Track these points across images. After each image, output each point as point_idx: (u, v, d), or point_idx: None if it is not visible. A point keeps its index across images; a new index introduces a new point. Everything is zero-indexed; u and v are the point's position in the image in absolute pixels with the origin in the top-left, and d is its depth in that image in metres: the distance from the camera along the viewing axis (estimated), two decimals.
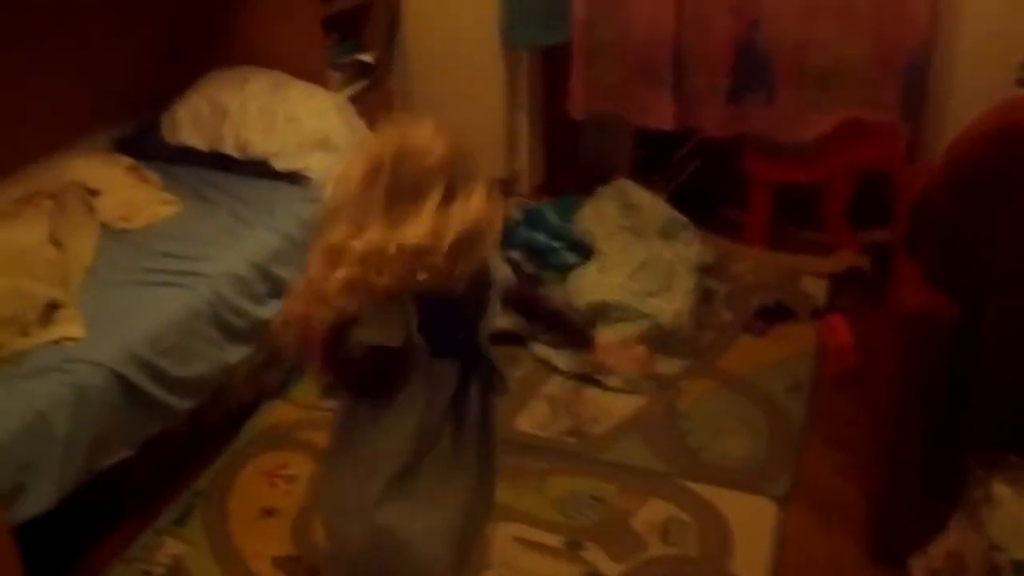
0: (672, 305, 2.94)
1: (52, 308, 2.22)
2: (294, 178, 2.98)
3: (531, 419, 2.70)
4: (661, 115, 3.43)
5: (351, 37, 3.57)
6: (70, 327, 2.18)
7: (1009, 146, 1.86)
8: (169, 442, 2.44)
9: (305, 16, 3.25)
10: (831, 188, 3.43)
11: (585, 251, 3.24)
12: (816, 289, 3.31)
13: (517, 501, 2.39)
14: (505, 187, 3.82)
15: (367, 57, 3.54)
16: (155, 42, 3.27)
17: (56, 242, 2.52)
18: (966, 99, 3.05)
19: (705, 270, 3.31)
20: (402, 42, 3.74)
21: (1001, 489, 1.91)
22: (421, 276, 1.44)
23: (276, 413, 2.74)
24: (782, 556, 2.23)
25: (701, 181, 3.77)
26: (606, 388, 2.80)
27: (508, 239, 3.37)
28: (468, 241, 1.46)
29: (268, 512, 2.38)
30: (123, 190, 2.81)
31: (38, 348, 2.12)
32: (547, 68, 3.75)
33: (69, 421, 2.01)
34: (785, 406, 2.73)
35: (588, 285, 2.99)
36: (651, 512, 2.36)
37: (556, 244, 3.31)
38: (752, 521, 2.33)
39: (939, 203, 1.99)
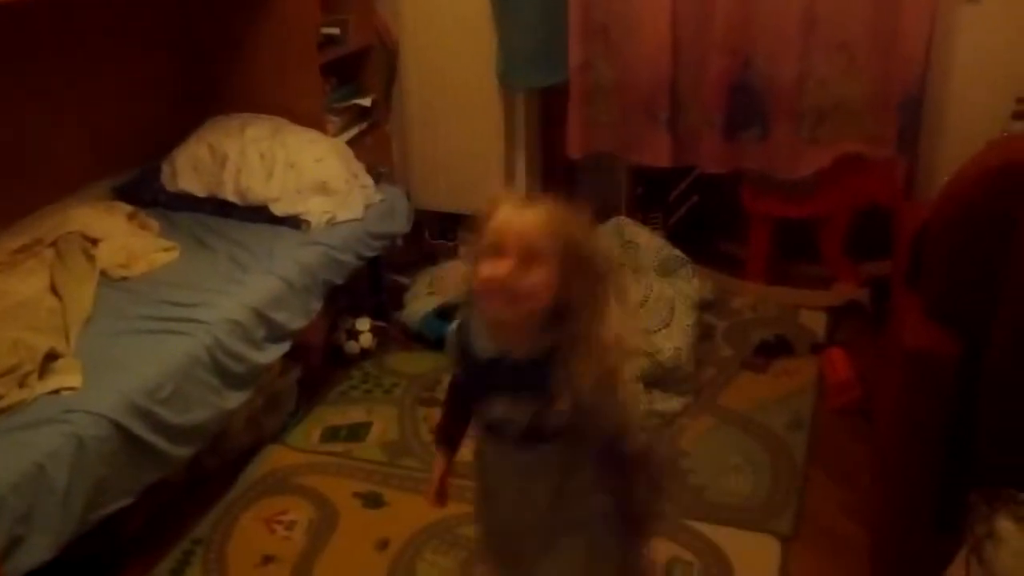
0: (671, 342, 2.94)
1: (51, 358, 2.22)
2: (293, 223, 3.00)
3: None
4: (658, 153, 3.46)
5: (350, 81, 3.60)
6: (68, 377, 2.18)
7: (1009, 183, 1.86)
8: (167, 489, 2.43)
9: (303, 63, 3.28)
10: (829, 222, 3.44)
11: None
12: (815, 323, 3.31)
13: None
14: None
15: (365, 101, 3.58)
16: (155, 90, 3.31)
17: (56, 291, 2.54)
18: (962, 133, 3.08)
19: (704, 306, 3.32)
20: (400, 85, 3.77)
21: (1006, 525, 1.88)
22: None
23: (275, 458, 2.74)
24: None
25: (699, 217, 3.78)
26: None
27: None
28: None
29: (268, 559, 2.37)
30: (122, 237, 2.83)
31: (36, 399, 2.12)
32: (544, 108, 3.78)
33: (68, 471, 2.00)
34: (787, 442, 2.72)
35: None
36: (654, 553, 2.34)
37: None
38: (755, 560, 2.31)
39: (940, 238, 1.99)
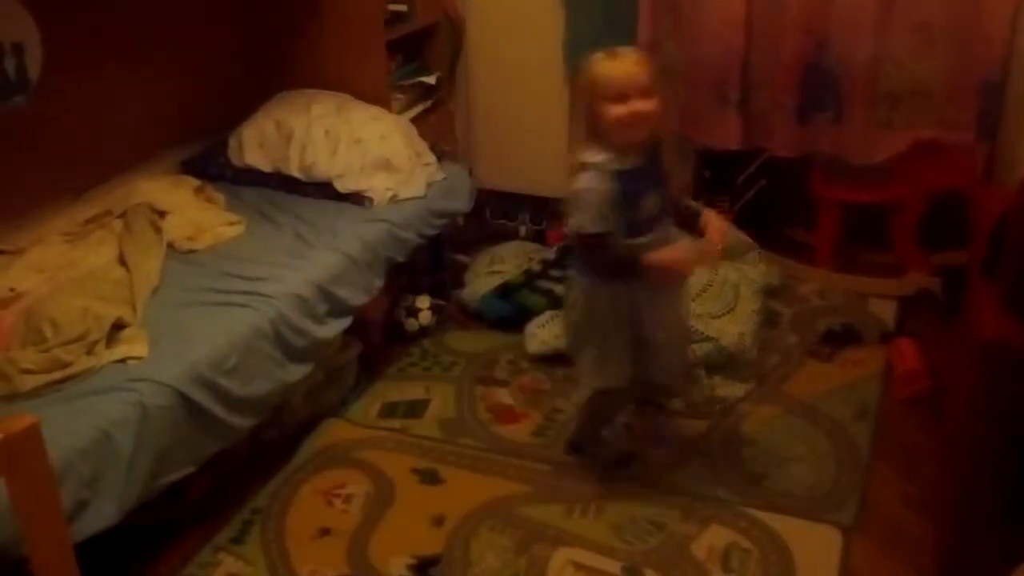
0: (736, 327, 2.89)
1: (118, 328, 2.26)
2: (357, 199, 3.01)
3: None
4: (728, 135, 3.40)
5: (415, 59, 3.60)
6: (135, 346, 2.22)
7: None
8: (229, 459, 2.47)
9: (370, 39, 3.29)
10: (902, 209, 3.35)
11: None
12: (885, 312, 3.24)
13: (574, 525, 2.37)
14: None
15: (430, 79, 3.57)
16: (222, 65, 3.34)
17: (124, 262, 2.58)
18: None
19: (770, 292, 3.26)
20: (465, 63, 3.76)
21: None
22: None
23: (334, 432, 2.76)
24: None
25: (767, 201, 3.71)
26: (669, 412, 2.77)
27: (569, 259, 3.36)
28: None
29: (325, 531, 2.39)
30: (189, 211, 2.87)
31: (104, 367, 2.16)
32: None
33: (132, 439, 2.04)
34: (852, 433, 2.66)
35: None
36: (712, 539, 2.32)
37: None
38: (816, 550, 2.27)
39: (1020, 226, 1.92)
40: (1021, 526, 1.94)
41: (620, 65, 2.13)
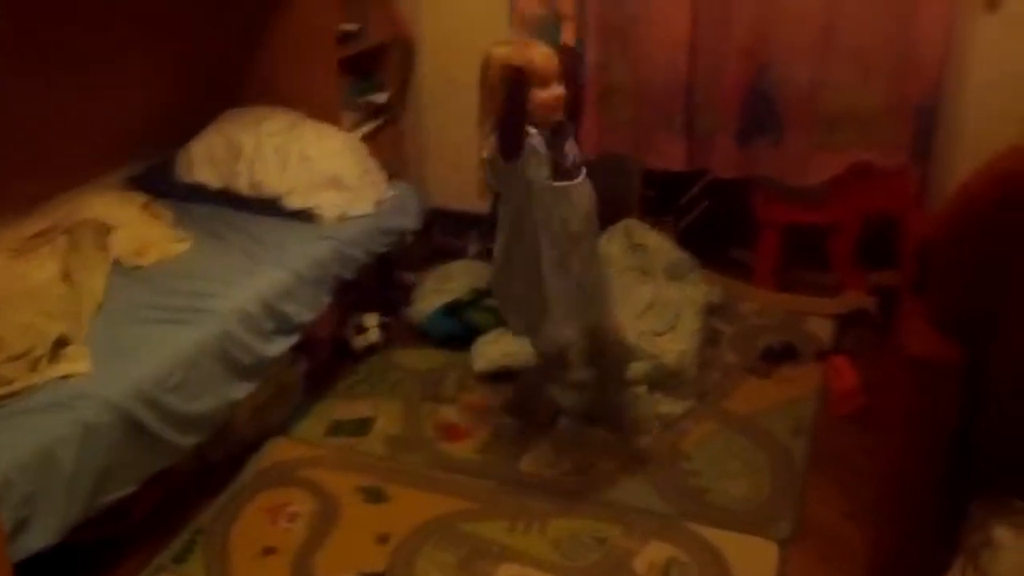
0: (677, 345, 2.95)
1: (61, 344, 2.25)
2: (305, 216, 3.02)
3: (534, 459, 2.71)
4: (672, 156, 3.46)
5: (367, 77, 3.62)
6: (78, 363, 2.21)
7: (1015, 193, 1.87)
8: (172, 478, 2.46)
9: (321, 57, 3.31)
10: (839, 230, 3.43)
11: None
12: (822, 331, 3.31)
13: (518, 541, 2.40)
14: None
15: (380, 98, 3.60)
16: (172, 80, 3.33)
17: (68, 278, 2.57)
18: (976, 143, 3.06)
19: (711, 311, 3.32)
20: (416, 82, 3.79)
21: (1002, 534, 1.89)
22: None
23: (279, 450, 2.76)
24: None
25: (709, 221, 3.78)
26: (610, 428, 2.81)
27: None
28: None
29: (269, 550, 2.39)
30: (136, 227, 2.86)
31: (46, 384, 2.15)
32: None
33: (75, 456, 2.03)
34: (789, 448, 2.73)
35: None
36: (652, 554, 2.35)
37: None
38: (753, 564, 2.32)
39: (945, 247, 1.99)
40: (950, 537, 2.00)
41: (542, 53, 2.34)
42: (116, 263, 2.71)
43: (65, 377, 2.18)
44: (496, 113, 2.32)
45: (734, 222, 3.71)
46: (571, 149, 2.43)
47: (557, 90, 2.33)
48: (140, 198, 3.04)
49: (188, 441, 2.34)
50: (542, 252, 2.42)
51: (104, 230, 2.80)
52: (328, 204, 3.05)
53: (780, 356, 3.13)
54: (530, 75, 2.28)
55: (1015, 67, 3.03)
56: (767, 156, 3.35)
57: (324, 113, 3.31)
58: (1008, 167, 1.91)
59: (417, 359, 3.23)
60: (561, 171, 2.40)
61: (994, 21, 3.03)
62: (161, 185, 3.19)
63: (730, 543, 2.37)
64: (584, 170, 2.46)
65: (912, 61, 3.07)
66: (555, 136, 2.39)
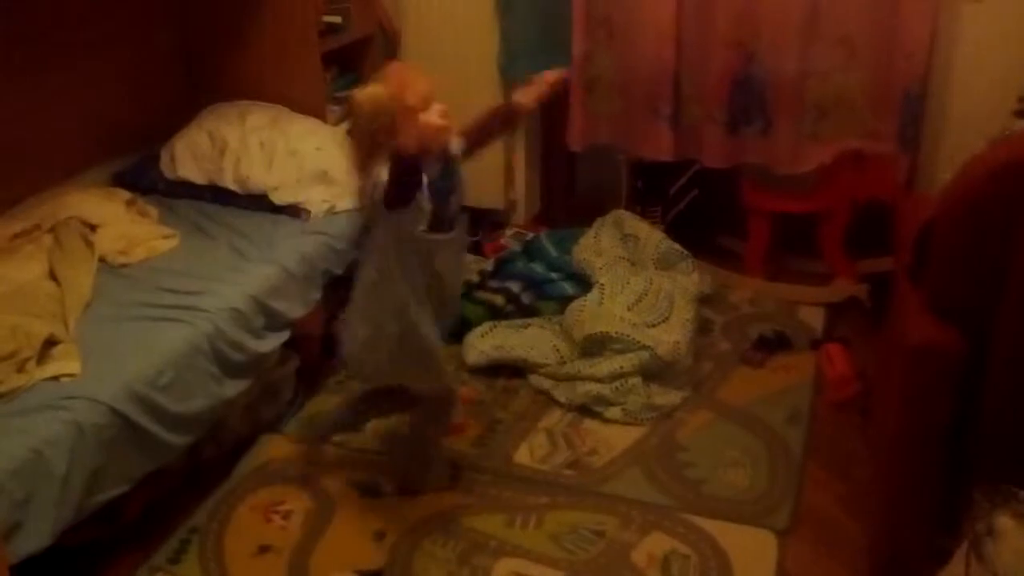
0: (670, 336, 2.94)
1: (49, 344, 2.21)
2: (293, 212, 2.99)
3: (530, 452, 2.69)
4: (660, 146, 3.45)
5: (351, 71, 3.59)
6: (67, 363, 2.18)
7: (1016, 180, 1.86)
8: (165, 478, 2.43)
9: (304, 51, 3.28)
10: (829, 218, 3.43)
11: (583, 282, 3.24)
12: (814, 319, 3.31)
13: (516, 536, 2.38)
14: (502, 217, 3.84)
15: None
16: (155, 76, 3.30)
17: (54, 277, 2.53)
18: (963, 129, 3.08)
19: (703, 300, 3.31)
20: None
21: (1005, 522, 1.89)
22: None
23: (272, 448, 2.73)
24: None
25: (698, 211, 3.78)
26: (605, 420, 2.80)
27: (506, 270, 3.38)
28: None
29: (264, 549, 2.36)
30: (122, 224, 2.82)
31: (35, 385, 2.12)
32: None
33: (66, 458, 2.00)
34: (785, 437, 2.72)
35: (588, 317, 2.99)
36: (651, 546, 2.35)
37: (554, 275, 3.31)
38: (752, 554, 2.31)
39: (946, 234, 1.99)
40: (951, 525, 2.00)
41: (416, 74, 2.16)
42: (102, 261, 2.67)
43: (55, 378, 2.15)
44: (374, 157, 2.12)
45: (723, 211, 3.70)
46: (456, 199, 2.27)
47: (438, 106, 2.13)
48: (124, 195, 3.00)
49: (180, 440, 2.31)
50: (410, 298, 2.23)
51: (88, 228, 2.75)
52: (316, 199, 3.02)
53: (773, 345, 3.13)
54: (407, 113, 2.09)
55: (1001, 53, 3.04)
56: (756, 145, 3.34)
57: (308, 107, 3.28)
58: (1008, 153, 1.91)
59: None
60: (441, 222, 2.22)
61: (980, 7, 3.04)
62: (145, 181, 3.15)
63: (728, 534, 2.37)
64: (464, 220, 2.33)
65: (898, 49, 3.07)
66: (443, 178, 2.22)
